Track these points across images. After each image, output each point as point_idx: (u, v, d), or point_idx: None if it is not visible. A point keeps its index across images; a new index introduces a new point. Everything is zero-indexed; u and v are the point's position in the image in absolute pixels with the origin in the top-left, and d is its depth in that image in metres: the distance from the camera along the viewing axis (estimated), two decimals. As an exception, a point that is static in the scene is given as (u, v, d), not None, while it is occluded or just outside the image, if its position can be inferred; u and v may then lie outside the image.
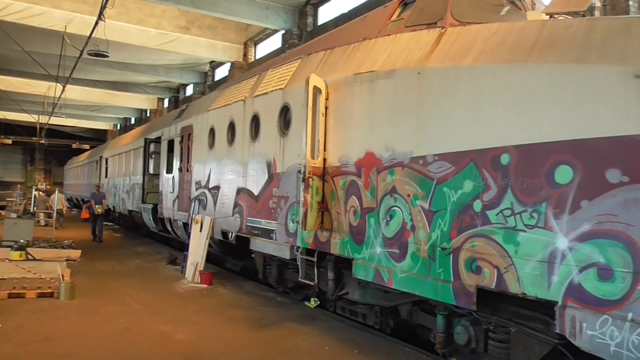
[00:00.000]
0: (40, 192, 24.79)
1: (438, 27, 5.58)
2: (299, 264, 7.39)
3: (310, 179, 6.55)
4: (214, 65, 25.69)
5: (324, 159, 6.73)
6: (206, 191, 10.97)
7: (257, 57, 21.98)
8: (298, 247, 7.36)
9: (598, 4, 9.04)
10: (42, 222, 21.22)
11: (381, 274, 5.57)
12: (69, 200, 35.97)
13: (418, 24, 5.92)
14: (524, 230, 4.11)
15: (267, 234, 8.12)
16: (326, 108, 6.79)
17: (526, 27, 4.83)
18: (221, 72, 25.57)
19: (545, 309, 4.15)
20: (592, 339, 3.66)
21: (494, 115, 4.50)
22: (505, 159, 4.32)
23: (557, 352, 4.29)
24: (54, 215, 19.18)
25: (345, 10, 16.11)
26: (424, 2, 6.16)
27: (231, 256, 11.83)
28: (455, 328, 5.19)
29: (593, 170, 3.74)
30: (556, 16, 5.41)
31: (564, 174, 3.89)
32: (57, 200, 20.30)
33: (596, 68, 3.87)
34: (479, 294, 4.46)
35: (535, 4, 6.44)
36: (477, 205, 4.50)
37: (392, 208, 5.49)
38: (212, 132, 10.86)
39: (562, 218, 3.87)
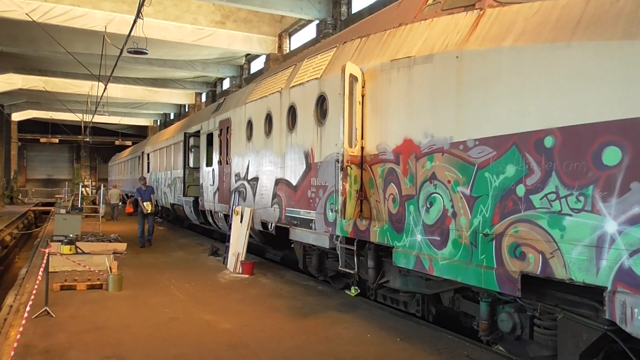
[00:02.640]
0: (112, 187, 26.73)
1: (476, 9, 5.44)
2: (338, 252, 7.41)
3: (349, 167, 6.54)
4: (250, 58, 25.92)
5: (362, 148, 6.71)
6: (245, 183, 11.11)
7: (292, 49, 22.03)
8: (337, 236, 7.37)
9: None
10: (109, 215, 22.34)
11: (422, 262, 5.52)
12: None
13: (455, 7, 5.78)
14: (570, 215, 3.99)
15: (306, 223, 8.16)
16: (363, 96, 6.75)
17: (569, 3, 4.65)
18: (257, 65, 25.77)
19: (593, 294, 4.03)
20: (645, 324, 3.54)
21: (537, 97, 4.37)
22: (549, 141, 4.19)
23: (607, 338, 4.17)
24: (111, 209, 20.35)
25: (380, -2, 15.93)
26: (461, -16, 6.02)
27: (271, 246, 11.97)
28: (500, 315, 5.11)
29: (644, 151, 3.59)
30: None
31: (612, 155, 3.75)
32: (115, 196, 21.43)
33: (644, 44, 3.70)
34: (523, 280, 4.36)
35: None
36: (520, 190, 4.39)
37: (432, 195, 5.43)
38: (249, 124, 10.97)
39: (610, 201, 3.73)
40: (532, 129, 4.34)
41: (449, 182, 5.20)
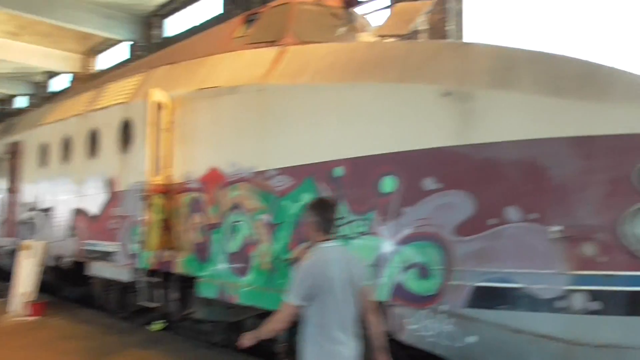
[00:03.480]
0: None
1: (279, 45, 5.78)
2: (141, 286, 7.04)
3: (153, 196, 6.33)
4: (51, 75, 23.65)
5: (168, 176, 6.55)
6: (38, 213, 10.00)
7: (101, 68, 20.69)
8: (140, 269, 7.02)
9: (424, 27, 10.03)
10: None
11: (226, 290, 5.54)
12: None
13: (260, 42, 6.08)
14: (356, 238, 4.39)
15: (107, 256, 7.62)
16: (170, 123, 6.63)
17: (356, 48, 5.23)
18: (61, 84, 23.61)
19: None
20: (413, 332, 4.01)
21: (329, 130, 4.77)
22: (339, 171, 4.59)
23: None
24: None
25: (195, 24, 15.94)
26: (266, 20, 6.35)
27: (68, 283, 10.86)
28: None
29: (413, 180, 4.14)
30: (384, 38, 5.95)
31: (389, 184, 4.25)
32: None
33: (413, 87, 4.31)
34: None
35: (368, 27, 6.98)
36: (315, 216, 4.70)
37: (236, 223, 5.51)
38: (44, 148, 9.96)
39: (387, 224, 4.21)
40: (324, 160, 4.71)
41: (251, 210, 5.35)
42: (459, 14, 10.57)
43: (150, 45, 17.34)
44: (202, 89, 6.22)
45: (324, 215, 3.29)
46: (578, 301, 3.54)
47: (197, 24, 15.78)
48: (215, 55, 6.50)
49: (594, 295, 3.52)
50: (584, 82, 3.90)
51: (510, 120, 3.89)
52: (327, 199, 3.79)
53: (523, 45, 4.56)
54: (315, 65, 5.18)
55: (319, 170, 4.72)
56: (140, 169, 6.85)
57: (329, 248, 3.24)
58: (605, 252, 3.54)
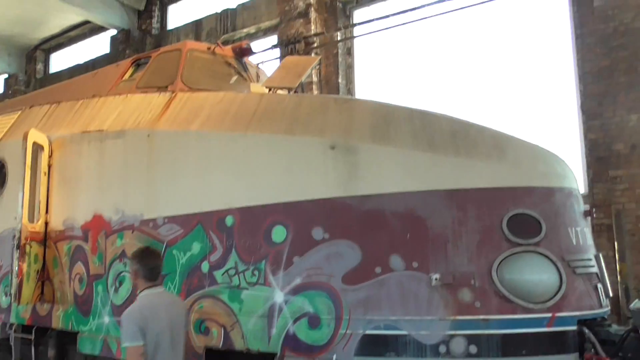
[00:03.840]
0: None
1: (169, 91, 5.72)
2: (12, 344, 6.39)
3: (28, 245, 5.84)
4: None
5: (46, 223, 6.10)
6: None
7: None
8: (12, 324, 6.38)
9: (315, 79, 10.46)
10: None
11: (109, 345, 5.20)
12: None
13: (150, 86, 5.97)
14: (247, 288, 4.36)
15: (-29, 312, 6.85)
16: (49, 166, 6.22)
17: (247, 98, 5.31)
18: None
19: (267, 361, 4.43)
20: (304, 383, 4.03)
21: (219, 179, 4.76)
22: (229, 220, 4.57)
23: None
24: None
25: (81, 61, 15.29)
26: (156, 65, 6.26)
27: None
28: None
29: (302, 229, 4.23)
30: (273, 90, 6.10)
31: (279, 234, 4.30)
32: None
33: (301, 139, 4.45)
34: (207, 355, 4.51)
35: (260, 77, 7.12)
36: (205, 267, 4.62)
37: (122, 273, 5.25)
38: None
39: (278, 274, 4.24)
40: (215, 209, 4.67)
41: (138, 259, 5.11)
42: (350, 67, 11.16)
43: (31, 80, 16.29)
44: (86, 131, 5.94)
45: (146, 263, 3.62)
46: (458, 346, 3.78)
47: (83, 62, 15.15)
48: (102, 98, 6.26)
49: (472, 339, 3.77)
50: (456, 139, 4.27)
51: (391, 173, 4.15)
52: (151, 248, 4.02)
53: (404, 100, 4.93)
54: (206, 113, 5.17)
55: (209, 219, 4.67)
56: (14, 214, 6.30)
57: (154, 294, 3.59)
58: (480, 297, 3.83)
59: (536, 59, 9.46)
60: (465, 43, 10.07)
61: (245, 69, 6.73)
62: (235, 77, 6.51)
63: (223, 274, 4.50)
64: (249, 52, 6.85)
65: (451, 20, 9.94)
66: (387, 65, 10.93)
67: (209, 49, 6.50)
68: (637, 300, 4.10)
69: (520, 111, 9.37)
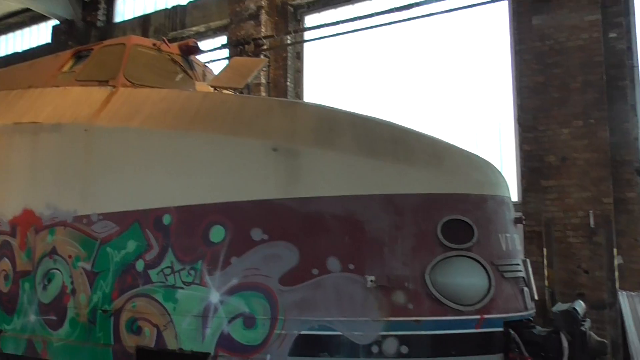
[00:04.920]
0: None
1: (110, 85, 5.56)
2: None
3: (-52, 239, 5.53)
4: None
5: (-30, 216, 5.79)
6: None
7: None
8: None
9: (263, 81, 10.45)
10: None
11: (35, 345, 4.99)
12: None
13: (90, 80, 5.78)
14: (182, 288, 4.29)
15: None
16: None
17: (191, 96, 5.25)
18: None
19: (201, 361, 4.37)
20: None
21: (158, 177, 4.67)
22: (167, 219, 4.49)
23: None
24: None
25: (20, 50, 14.63)
26: (98, 58, 6.07)
27: None
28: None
29: (241, 230, 4.21)
30: (219, 89, 6.05)
31: (217, 233, 4.26)
32: None
33: (244, 140, 4.44)
34: (139, 355, 4.41)
35: (206, 76, 7.04)
36: (140, 265, 4.52)
37: (51, 271, 5.05)
38: None
39: (215, 274, 4.19)
40: (152, 207, 4.57)
41: (70, 257, 4.95)
42: (299, 71, 11.22)
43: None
44: (18, 122, 5.69)
45: None
46: (391, 346, 3.86)
47: (22, 50, 14.51)
48: (38, 89, 6.01)
49: (404, 340, 3.87)
50: (396, 145, 4.38)
51: (331, 177, 4.20)
52: None
53: (351, 106, 5.02)
54: (148, 110, 5.07)
55: (146, 217, 4.57)
56: None
57: None
58: (413, 299, 3.94)
59: (480, 72, 9.85)
60: (412, 53, 10.34)
61: (192, 67, 6.63)
62: (180, 75, 6.40)
63: (158, 273, 4.41)
64: (195, 50, 6.75)
65: (399, 30, 10.20)
66: (336, 71, 11.07)
67: (154, 45, 6.36)
68: (559, 303, 4.33)
69: (460, 121, 9.71)
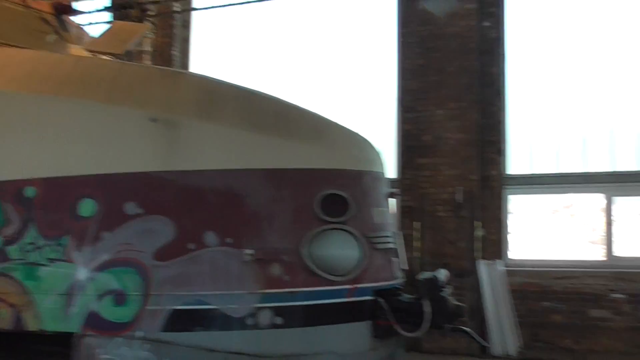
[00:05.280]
0: None
1: (-33, 43, 5.00)
2: None
3: None
4: None
5: None
6: None
7: None
8: None
9: (149, 49, 9.94)
10: None
11: None
12: None
13: (-57, 35, 5.15)
14: (46, 265, 4.03)
15: None
16: None
17: (63, 59, 4.88)
18: None
19: (67, 342, 4.15)
20: (106, 362, 3.87)
21: (21, 146, 4.29)
22: (30, 191, 4.16)
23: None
24: None
25: None
26: (-46, 13, 5.42)
27: None
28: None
29: (114, 204, 4.02)
30: (96, 54, 5.68)
31: (87, 207, 4.03)
32: None
33: (119, 109, 4.21)
34: (-4, 337, 4.10)
35: (83, 39, 6.56)
36: (-2, 242, 4.16)
37: None
38: None
39: (83, 250, 3.98)
40: (13, 178, 4.21)
41: None
42: (186, 40, 10.80)
43: None
44: None
45: None
46: (265, 317, 3.93)
47: None
48: None
49: (279, 311, 3.96)
50: (278, 120, 4.41)
51: (212, 150, 4.13)
52: None
53: (239, 79, 4.94)
54: (11, 71, 4.63)
55: (4, 189, 4.19)
56: None
57: None
58: (289, 271, 4.03)
59: (368, 52, 10.16)
60: (303, 27, 10.38)
61: (65, 28, 6.15)
62: (51, 36, 5.92)
63: (19, 249, 4.09)
64: (69, 10, 6.28)
65: (291, 3, 10.17)
66: (226, 42, 10.83)
67: (22, 1, 5.81)
68: (423, 272, 4.66)
69: (347, 100, 9.98)
